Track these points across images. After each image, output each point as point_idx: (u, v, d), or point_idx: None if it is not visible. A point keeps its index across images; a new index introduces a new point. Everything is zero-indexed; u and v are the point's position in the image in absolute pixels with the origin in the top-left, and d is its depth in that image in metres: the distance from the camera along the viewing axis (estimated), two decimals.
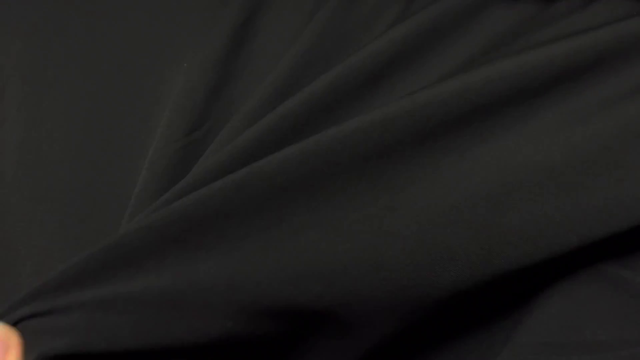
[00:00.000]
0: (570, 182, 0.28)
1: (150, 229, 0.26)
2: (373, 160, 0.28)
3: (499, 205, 0.28)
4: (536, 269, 0.28)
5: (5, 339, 0.23)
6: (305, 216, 0.27)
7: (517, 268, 0.28)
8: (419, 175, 0.28)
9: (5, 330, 0.24)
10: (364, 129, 0.28)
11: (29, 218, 0.34)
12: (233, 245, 0.27)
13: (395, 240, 0.27)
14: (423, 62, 0.34)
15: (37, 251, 0.34)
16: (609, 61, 0.30)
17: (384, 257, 0.27)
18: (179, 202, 0.27)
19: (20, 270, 0.34)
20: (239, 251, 0.27)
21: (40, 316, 0.25)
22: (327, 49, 0.35)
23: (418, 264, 0.27)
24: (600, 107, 0.30)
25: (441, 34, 0.34)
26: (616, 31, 0.30)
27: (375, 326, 0.28)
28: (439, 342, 0.30)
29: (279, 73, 0.34)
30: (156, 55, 0.36)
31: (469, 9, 0.34)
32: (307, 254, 0.27)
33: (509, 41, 0.33)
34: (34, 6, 0.38)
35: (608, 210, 0.28)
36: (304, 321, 0.28)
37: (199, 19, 0.37)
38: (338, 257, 0.27)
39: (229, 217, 0.27)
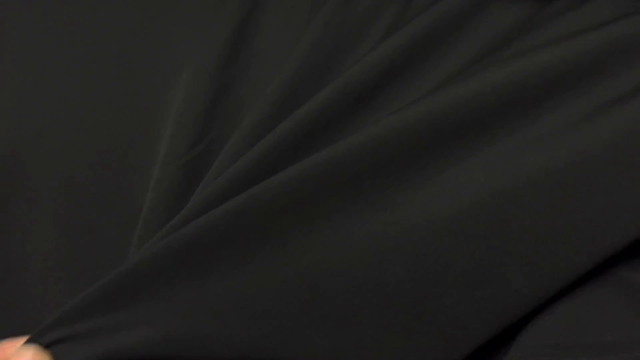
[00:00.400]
0: (575, 188, 0.28)
1: (158, 256, 0.28)
2: (369, 178, 0.29)
3: (499, 215, 0.28)
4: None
5: None
6: (306, 238, 0.28)
7: (521, 278, 0.27)
8: (416, 190, 0.29)
9: (39, 354, 0.26)
10: (356, 148, 0.29)
11: (35, 225, 0.35)
12: (238, 270, 0.28)
13: (397, 255, 0.28)
14: (421, 70, 0.34)
15: (42, 257, 0.34)
16: (605, 64, 0.30)
17: (386, 273, 0.28)
18: (182, 230, 0.28)
19: (25, 276, 0.35)
20: (245, 275, 0.28)
21: (65, 341, 0.27)
22: (325, 55, 0.36)
23: (420, 279, 0.28)
24: (600, 110, 0.30)
25: (437, 40, 0.34)
26: (609, 33, 0.30)
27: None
28: None
29: (277, 85, 0.34)
30: (156, 63, 0.36)
31: (465, 13, 0.34)
32: (310, 275, 0.28)
33: (506, 43, 0.33)
34: (33, 11, 0.38)
35: (616, 215, 0.28)
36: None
37: (196, 23, 0.37)
38: (341, 277, 0.28)
39: (232, 243, 0.28)
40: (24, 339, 0.27)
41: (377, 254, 0.28)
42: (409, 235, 0.28)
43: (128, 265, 0.28)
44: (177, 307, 0.27)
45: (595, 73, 0.30)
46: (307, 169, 0.28)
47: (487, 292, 0.27)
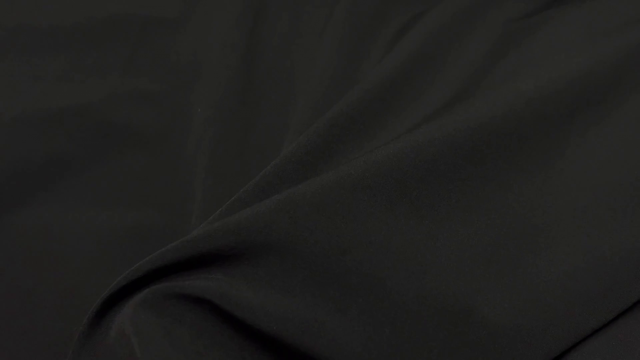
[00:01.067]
0: (609, 220, 0.29)
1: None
2: (411, 184, 0.29)
3: (534, 246, 0.29)
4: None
5: None
6: (349, 237, 0.28)
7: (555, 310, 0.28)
8: (458, 204, 0.29)
9: None
10: (397, 154, 0.30)
11: None
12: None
13: (436, 269, 0.28)
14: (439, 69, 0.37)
15: None
16: (626, 80, 0.30)
17: (425, 283, 0.28)
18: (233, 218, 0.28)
19: None
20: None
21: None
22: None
23: (456, 294, 0.28)
24: (627, 131, 0.30)
25: (452, 36, 0.38)
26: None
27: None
28: None
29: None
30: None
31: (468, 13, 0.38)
32: (351, 274, 0.28)
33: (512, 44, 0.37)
34: None
35: None
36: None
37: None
38: (383, 277, 0.28)
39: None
40: None
41: (417, 263, 0.28)
42: (448, 251, 0.28)
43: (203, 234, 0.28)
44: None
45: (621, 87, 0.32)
46: (345, 171, 0.29)
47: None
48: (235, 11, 0.44)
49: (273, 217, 0.28)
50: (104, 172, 0.39)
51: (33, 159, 0.38)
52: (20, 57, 0.43)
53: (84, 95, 0.41)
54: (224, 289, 0.27)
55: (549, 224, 0.29)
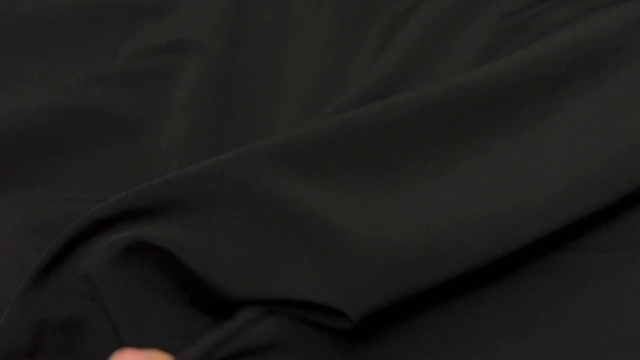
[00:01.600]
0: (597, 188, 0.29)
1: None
2: (378, 144, 0.29)
3: (506, 209, 0.28)
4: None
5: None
6: (305, 187, 0.28)
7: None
8: (427, 165, 0.29)
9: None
10: (368, 113, 0.29)
11: None
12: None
13: (396, 222, 0.28)
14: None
15: None
16: (624, 50, 0.31)
17: (384, 234, 0.27)
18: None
19: None
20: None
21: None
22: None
23: (417, 246, 0.27)
24: (621, 100, 0.31)
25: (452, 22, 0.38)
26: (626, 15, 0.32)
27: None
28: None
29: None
30: None
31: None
32: (306, 220, 0.27)
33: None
34: None
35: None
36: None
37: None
38: (339, 225, 0.27)
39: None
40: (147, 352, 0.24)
41: (377, 220, 0.28)
42: (410, 209, 0.28)
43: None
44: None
45: (615, 59, 0.31)
46: (311, 129, 0.29)
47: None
48: None
49: (230, 164, 0.27)
50: (78, 158, 0.38)
51: (5, 142, 0.38)
52: None
53: (64, 81, 0.41)
54: (180, 239, 0.26)
55: (530, 191, 0.28)
